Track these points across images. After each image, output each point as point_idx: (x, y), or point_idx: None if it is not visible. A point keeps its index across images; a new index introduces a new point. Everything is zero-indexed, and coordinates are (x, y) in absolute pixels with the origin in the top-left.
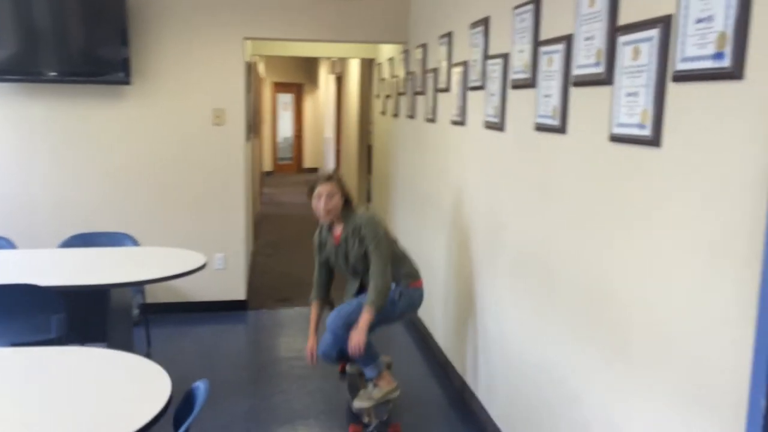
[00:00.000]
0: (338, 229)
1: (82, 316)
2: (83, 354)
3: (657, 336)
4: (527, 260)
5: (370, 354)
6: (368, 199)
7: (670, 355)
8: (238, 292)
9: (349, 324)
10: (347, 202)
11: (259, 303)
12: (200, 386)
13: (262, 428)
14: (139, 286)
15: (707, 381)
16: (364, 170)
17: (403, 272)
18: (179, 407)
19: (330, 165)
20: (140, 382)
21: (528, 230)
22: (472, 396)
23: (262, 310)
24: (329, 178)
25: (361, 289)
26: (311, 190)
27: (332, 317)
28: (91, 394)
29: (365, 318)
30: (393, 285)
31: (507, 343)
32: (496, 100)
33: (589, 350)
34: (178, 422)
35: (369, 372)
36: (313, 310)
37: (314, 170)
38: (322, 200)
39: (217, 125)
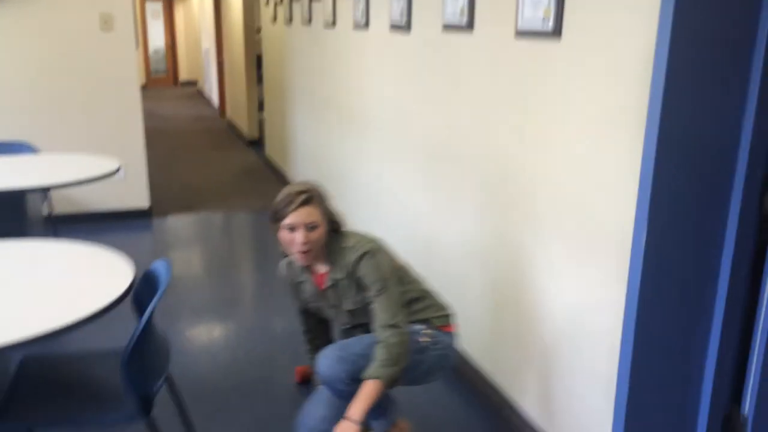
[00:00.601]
0: (321, 269)
1: None
2: (36, 246)
3: (559, 199)
4: (437, 151)
5: (382, 403)
6: (260, 108)
7: (570, 213)
8: (142, 200)
9: (355, 375)
10: (333, 230)
11: (163, 211)
12: (160, 265)
13: (200, 317)
14: (59, 189)
15: (599, 229)
16: (253, 81)
17: (430, 313)
18: (138, 289)
19: (211, 77)
20: (102, 267)
21: (436, 125)
22: None
23: (168, 217)
24: (306, 200)
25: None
26: (277, 218)
27: (329, 360)
28: (54, 279)
29: (366, 395)
30: (419, 326)
31: (418, 227)
32: (402, 3)
33: (501, 221)
34: (138, 304)
35: (380, 426)
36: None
37: (193, 83)
38: (299, 234)
39: (105, 31)
